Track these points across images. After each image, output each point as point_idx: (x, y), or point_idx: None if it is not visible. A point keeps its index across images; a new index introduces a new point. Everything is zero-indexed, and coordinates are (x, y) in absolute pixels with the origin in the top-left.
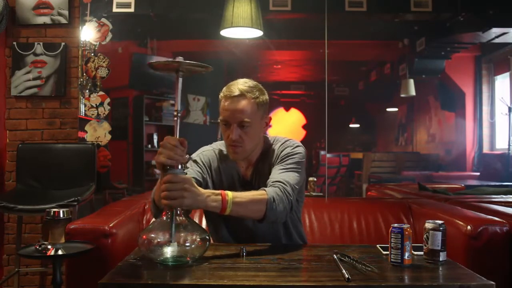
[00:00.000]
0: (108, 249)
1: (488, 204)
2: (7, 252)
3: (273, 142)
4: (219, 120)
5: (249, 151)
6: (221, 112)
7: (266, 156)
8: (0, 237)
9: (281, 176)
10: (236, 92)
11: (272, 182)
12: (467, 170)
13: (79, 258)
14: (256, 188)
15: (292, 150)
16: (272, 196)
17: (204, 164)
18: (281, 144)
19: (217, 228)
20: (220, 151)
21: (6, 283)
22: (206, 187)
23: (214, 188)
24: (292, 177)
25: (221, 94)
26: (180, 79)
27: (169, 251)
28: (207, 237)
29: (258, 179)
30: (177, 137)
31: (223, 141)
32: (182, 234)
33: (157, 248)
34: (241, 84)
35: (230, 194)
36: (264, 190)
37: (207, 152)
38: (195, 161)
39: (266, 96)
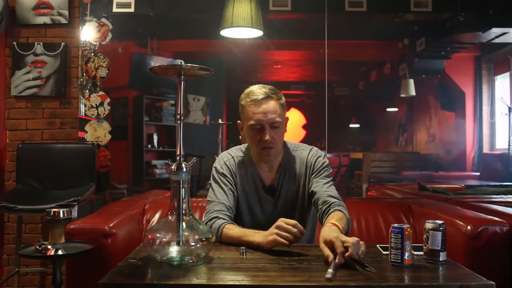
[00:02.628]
0: (108, 249)
1: (488, 204)
2: (7, 252)
3: (294, 148)
4: (249, 125)
5: (279, 151)
6: (251, 117)
7: (291, 162)
8: (0, 237)
9: (332, 192)
10: (263, 95)
11: (329, 199)
12: (467, 170)
13: (79, 258)
14: (280, 193)
15: (324, 160)
16: (348, 216)
17: (231, 175)
18: (309, 152)
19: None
20: (240, 158)
21: (6, 283)
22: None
23: (237, 196)
24: (335, 190)
25: (244, 101)
26: (183, 83)
27: (175, 251)
28: (211, 236)
29: (284, 185)
30: (181, 138)
31: (238, 147)
32: (188, 234)
33: (163, 248)
34: (262, 88)
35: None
36: (341, 211)
37: (229, 161)
38: (223, 175)
39: (284, 98)
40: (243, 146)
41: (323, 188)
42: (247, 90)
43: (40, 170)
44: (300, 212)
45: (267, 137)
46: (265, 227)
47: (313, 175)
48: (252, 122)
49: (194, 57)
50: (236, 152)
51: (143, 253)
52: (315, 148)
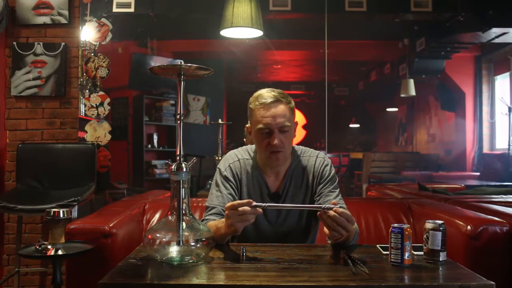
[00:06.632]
0: (108, 249)
1: (488, 204)
2: (7, 252)
3: (301, 153)
4: (257, 128)
5: (287, 156)
6: (260, 121)
7: (297, 169)
8: (0, 237)
9: (342, 203)
10: (272, 99)
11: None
12: (467, 170)
13: (79, 258)
14: (285, 201)
15: (331, 170)
16: (357, 230)
17: (234, 179)
18: (316, 159)
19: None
20: (246, 161)
21: (6, 283)
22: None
23: (241, 199)
24: (345, 204)
25: (253, 105)
26: (183, 83)
27: (175, 251)
28: (211, 236)
29: (290, 192)
30: (181, 138)
31: (246, 148)
32: (188, 234)
33: (163, 248)
34: (271, 92)
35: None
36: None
37: (234, 164)
38: (226, 178)
39: (293, 102)
40: (251, 148)
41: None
42: (256, 94)
43: (40, 170)
44: (304, 220)
45: (276, 141)
46: (269, 234)
47: (321, 185)
48: (260, 125)
49: (194, 57)
50: (243, 154)
51: (143, 253)
52: (321, 154)
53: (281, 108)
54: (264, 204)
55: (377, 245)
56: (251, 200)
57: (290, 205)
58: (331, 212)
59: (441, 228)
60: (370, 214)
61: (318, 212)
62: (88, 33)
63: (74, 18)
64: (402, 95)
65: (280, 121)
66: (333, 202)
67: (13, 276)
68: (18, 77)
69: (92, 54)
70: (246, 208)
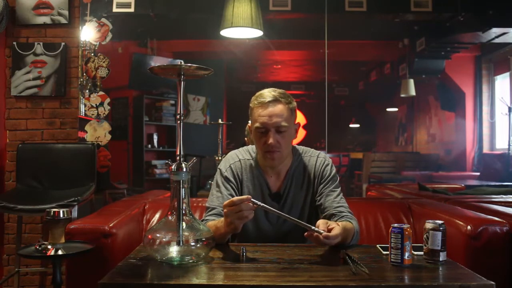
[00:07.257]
0: (108, 249)
1: (488, 204)
2: (7, 252)
3: (303, 153)
4: (255, 127)
5: (284, 157)
6: (257, 120)
7: (299, 169)
8: (0, 237)
9: (344, 204)
10: (271, 98)
11: (341, 212)
12: (467, 170)
13: (79, 258)
14: (286, 201)
15: (332, 169)
16: (357, 229)
17: (234, 179)
18: (317, 159)
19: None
20: (247, 161)
21: (6, 283)
22: None
23: None
24: (346, 202)
25: (253, 103)
26: (183, 83)
27: (175, 251)
28: (211, 236)
29: (291, 192)
30: (181, 138)
31: (247, 148)
32: (188, 234)
33: (163, 248)
34: (271, 91)
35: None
36: (351, 223)
37: (235, 165)
38: (226, 179)
39: (295, 103)
40: (252, 149)
41: (334, 204)
42: (257, 93)
43: (40, 170)
44: (305, 220)
45: (271, 140)
46: (269, 234)
47: (321, 185)
48: (257, 124)
49: (194, 57)
50: (244, 154)
51: (143, 253)
52: (322, 154)
53: (279, 108)
54: (260, 203)
55: (377, 245)
56: (249, 196)
57: (284, 214)
58: (320, 237)
59: (441, 228)
60: (370, 214)
61: (305, 233)
62: (88, 33)
63: (74, 18)
64: (402, 95)
65: (276, 121)
66: (324, 235)
67: (13, 276)
68: (18, 77)
69: (92, 54)
70: (244, 197)
